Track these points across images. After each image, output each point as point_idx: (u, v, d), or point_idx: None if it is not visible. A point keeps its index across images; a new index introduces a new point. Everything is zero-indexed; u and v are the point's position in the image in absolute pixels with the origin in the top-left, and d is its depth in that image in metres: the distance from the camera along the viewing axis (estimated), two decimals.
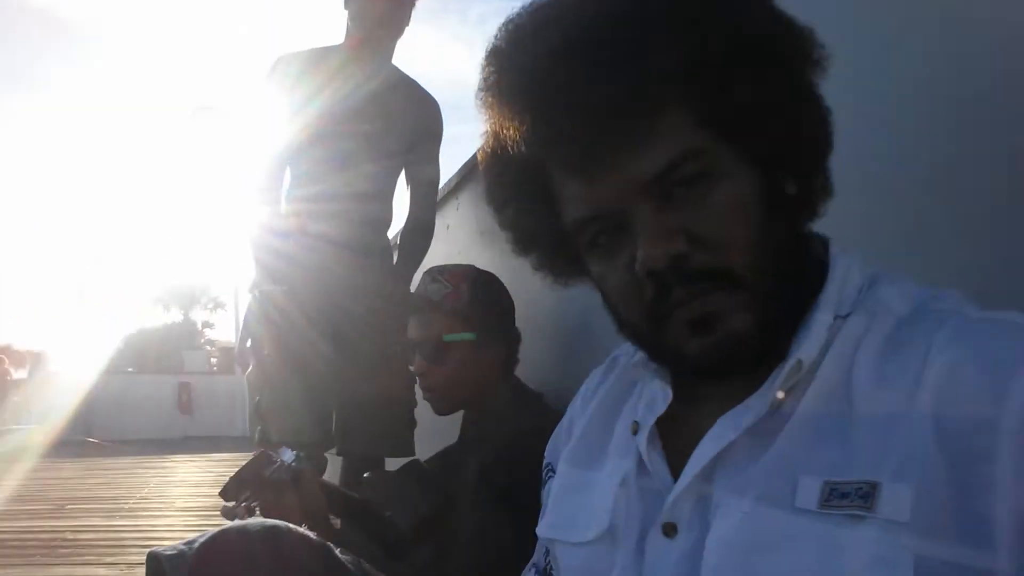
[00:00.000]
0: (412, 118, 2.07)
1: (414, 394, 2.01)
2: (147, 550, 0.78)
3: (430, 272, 1.55)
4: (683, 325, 0.58)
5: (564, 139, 0.57)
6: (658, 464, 0.63)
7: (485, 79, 0.62)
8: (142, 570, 0.78)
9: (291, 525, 0.84)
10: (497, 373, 1.51)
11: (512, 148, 0.62)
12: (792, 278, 0.59)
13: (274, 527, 0.82)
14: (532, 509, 0.81)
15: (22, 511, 4.84)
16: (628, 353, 0.73)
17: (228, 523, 0.87)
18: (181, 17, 62.89)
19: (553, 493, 0.75)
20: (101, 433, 10.80)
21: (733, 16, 0.56)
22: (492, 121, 0.63)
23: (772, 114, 0.57)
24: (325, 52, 2.07)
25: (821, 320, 0.58)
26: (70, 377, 12.47)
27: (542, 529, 0.76)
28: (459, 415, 1.58)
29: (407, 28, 2.08)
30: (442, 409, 1.54)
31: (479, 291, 1.50)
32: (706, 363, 0.59)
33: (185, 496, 5.61)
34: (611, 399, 0.74)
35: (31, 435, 11.93)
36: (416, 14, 2.08)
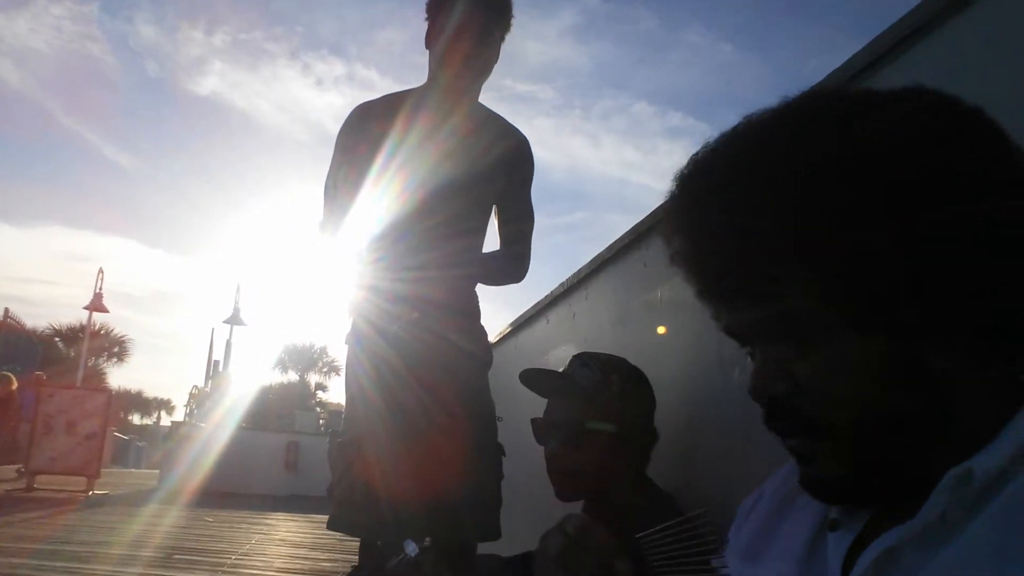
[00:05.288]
0: (500, 155, 1.92)
1: (502, 468, 1.91)
2: None
3: (581, 357, 1.54)
4: (790, 449, 0.61)
5: (694, 283, 0.62)
6: (835, 569, 0.60)
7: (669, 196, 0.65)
8: None
9: None
10: (630, 470, 1.47)
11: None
12: (915, 434, 0.55)
13: None
14: None
15: (136, 557, 5.02)
16: None
17: None
18: (302, 112, 68.39)
19: None
20: (216, 485, 11.22)
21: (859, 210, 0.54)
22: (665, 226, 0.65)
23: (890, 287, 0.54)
24: (407, 96, 1.92)
25: (1011, 437, 0.53)
26: (193, 428, 13.12)
27: None
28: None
29: (495, 66, 1.90)
30: (567, 495, 1.50)
31: (628, 386, 1.49)
32: (807, 491, 0.61)
33: (284, 557, 5.66)
34: (788, 493, 0.72)
35: (151, 481, 12.58)
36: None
